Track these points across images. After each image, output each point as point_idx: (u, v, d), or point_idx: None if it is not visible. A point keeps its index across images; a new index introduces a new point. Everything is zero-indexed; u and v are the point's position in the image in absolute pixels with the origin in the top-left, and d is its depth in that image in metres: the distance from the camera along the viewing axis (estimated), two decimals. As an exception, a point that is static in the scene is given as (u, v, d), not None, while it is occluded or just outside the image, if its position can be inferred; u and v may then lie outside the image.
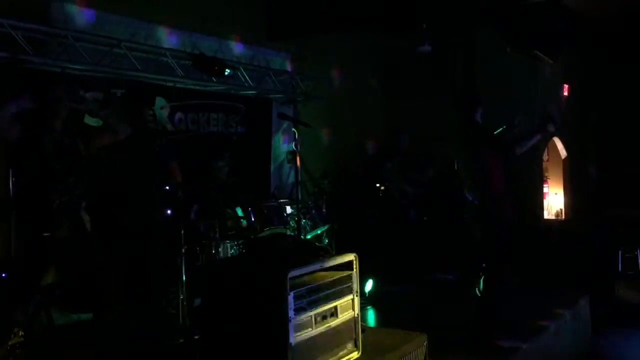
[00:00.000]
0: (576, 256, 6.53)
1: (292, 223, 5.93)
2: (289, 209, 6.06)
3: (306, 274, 2.84)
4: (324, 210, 6.30)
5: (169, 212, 5.59)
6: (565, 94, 9.15)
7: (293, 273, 2.73)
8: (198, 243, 5.40)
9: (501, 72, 7.74)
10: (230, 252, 5.57)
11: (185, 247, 5.27)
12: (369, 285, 5.91)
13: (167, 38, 6.21)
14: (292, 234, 5.87)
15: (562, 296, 5.87)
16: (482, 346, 4.29)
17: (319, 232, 6.21)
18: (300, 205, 5.71)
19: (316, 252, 3.13)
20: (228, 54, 6.71)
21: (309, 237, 6.01)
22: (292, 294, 2.70)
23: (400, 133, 7.74)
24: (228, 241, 5.55)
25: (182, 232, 5.39)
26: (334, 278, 3.04)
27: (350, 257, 3.16)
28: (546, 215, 9.05)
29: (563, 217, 9.28)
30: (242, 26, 6.91)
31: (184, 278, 4.81)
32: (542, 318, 5.17)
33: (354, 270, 3.17)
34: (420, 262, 6.98)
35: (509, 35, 7.19)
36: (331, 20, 6.98)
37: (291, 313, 2.69)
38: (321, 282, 2.94)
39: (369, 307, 5.59)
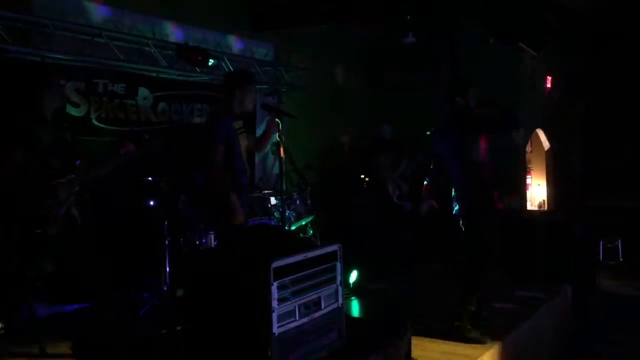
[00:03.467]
0: (558, 247, 6.60)
1: (276, 214, 5.91)
2: (273, 200, 6.04)
3: (290, 264, 2.83)
4: (308, 201, 6.29)
5: (151, 203, 5.58)
6: (549, 85, 9.22)
7: (277, 263, 2.73)
8: (182, 234, 5.39)
9: (485, 64, 7.77)
10: (215, 242, 5.55)
11: (169, 238, 5.27)
12: (354, 276, 5.92)
13: (150, 28, 6.15)
14: (277, 225, 5.87)
15: (545, 286, 5.94)
16: (462, 335, 4.32)
17: (303, 223, 6.21)
18: (284, 197, 5.71)
19: (300, 243, 3.11)
20: (212, 44, 6.66)
21: (293, 228, 6.01)
22: (275, 284, 2.70)
23: (383, 123, 7.67)
24: (212, 232, 5.53)
25: (166, 223, 5.40)
26: (318, 268, 3.04)
27: (334, 247, 3.17)
28: (529, 207, 9.13)
29: (546, 208, 9.37)
30: (226, 17, 6.86)
31: (167, 269, 4.81)
32: (524, 307, 5.23)
33: (338, 260, 3.17)
34: (408, 254, 7.01)
35: (492, 26, 7.21)
36: (315, 12, 6.96)
37: (275, 303, 2.69)
38: (305, 272, 2.93)
39: (353, 298, 5.61)
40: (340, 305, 3.16)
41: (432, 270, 6.84)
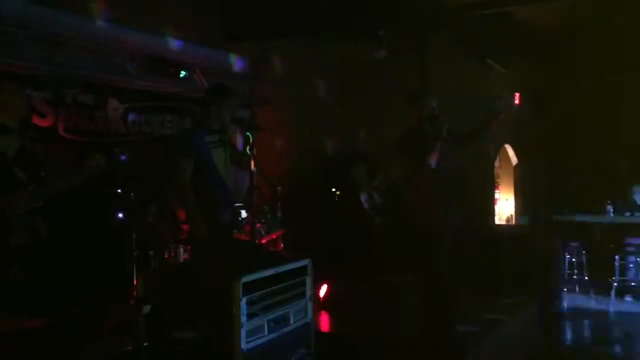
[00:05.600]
0: (525, 260, 6.70)
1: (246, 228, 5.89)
2: (243, 214, 6.02)
3: (259, 279, 2.82)
4: (279, 214, 6.28)
5: (120, 215, 5.51)
6: (517, 102, 9.37)
7: (246, 279, 2.72)
8: (151, 247, 5.33)
9: (454, 80, 7.88)
10: (184, 256, 5.51)
11: (137, 251, 5.20)
12: (324, 290, 5.92)
13: (122, 38, 6.09)
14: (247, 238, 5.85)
15: (512, 300, 6.01)
16: (429, 347, 4.35)
17: (274, 236, 6.19)
18: (255, 210, 5.68)
19: (270, 258, 3.11)
20: (185, 56, 6.63)
21: (263, 241, 5.99)
22: (244, 299, 2.69)
23: (359, 134, 7.66)
24: (182, 245, 5.49)
25: (134, 236, 5.33)
26: (288, 283, 3.03)
27: (305, 262, 3.17)
28: (497, 221, 9.25)
29: (513, 222, 9.50)
30: (199, 28, 6.83)
31: (134, 283, 4.73)
32: (490, 321, 5.28)
33: (308, 275, 3.17)
34: (378, 266, 7.02)
35: (462, 43, 7.35)
36: (288, 25, 6.99)
37: (244, 319, 2.68)
38: (275, 287, 2.93)
39: (322, 312, 5.60)
40: (309, 320, 3.17)
41: (402, 283, 6.86)
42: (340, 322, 5.45)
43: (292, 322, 3.03)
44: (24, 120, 4.21)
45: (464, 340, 4.64)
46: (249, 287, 2.74)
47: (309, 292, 3.17)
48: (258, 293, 2.80)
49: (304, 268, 3.16)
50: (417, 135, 4.75)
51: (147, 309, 2.72)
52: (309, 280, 3.18)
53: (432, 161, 4.62)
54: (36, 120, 5.37)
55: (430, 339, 4.40)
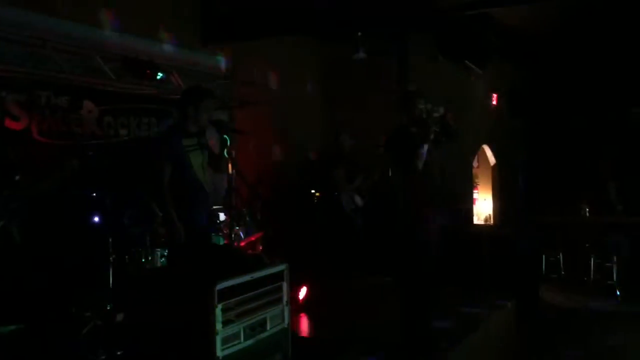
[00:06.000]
0: (503, 260, 6.75)
1: (225, 231, 5.85)
2: (222, 216, 5.98)
3: (235, 285, 2.79)
4: (258, 217, 6.25)
5: (96, 219, 5.43)
6: (494, 102, 9.47)
7: (222, 285, 2.69)
8: (127, 251, 5.26)
9: (433, 80, 7.92)
10: (161, 260, 5.45)
11: (113, 255, 5.13)
12: (303, 292, 5.89)
13: (97, 39, 6.01)
14: (224, 241, 5.82)
15: (489, 299, 6.04)
16: (411, 348, 4.36)
17: (252, 239, 6.16)
18: (233, 212, 5.65)
19: (247, 262, 3.09)
20: (162, 56, 6.56)
21: (242, 244, 5.96)
22: (220, 306, 2.66)
23: (342, 134, 7.61)
24: (159, 249, 5.43)
25: (110, 239, 5.26)
26: (265, 289, 3.02)
27: (282, 267, 3.15)
28: (475, 221, 9.32)
29: (492, 222, 9.58)
30: (177, 28, 6.77)
31: (111, 287, 4.66)
32: (468, 320, 5.30)
33: (285, 280, 3.15)
34: (357, 266, 7.02)
35: (440, 44, 7.38)
36: (267, 26, 6.95)
37: (219, 326, 2.65)
38: (251, 293, 2.90)
39: (301, 314, 5.57)
40: (286, 325, 3.14)
41: (381, 284, 6.87)
42: (319, 324, 5.42)
43: (268, 327, 3.01)
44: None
45: (442, 339, 4.65)
46: (224, 294, 2.72)
47: (285, 297, 3.15)
48: (234, 300, 2.77)
49: (280, 273, 3.14)
50: (405, 137, 4.76)
51: (120, 316, 2.68)
52: (285, 286, 3.16)
53: (420, 163, 4.64)
54: (9, 124, 5.27)
55: (409, 339, 4.41)
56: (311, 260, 6.49)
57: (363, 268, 7.02)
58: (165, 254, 5.35)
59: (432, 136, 4.72)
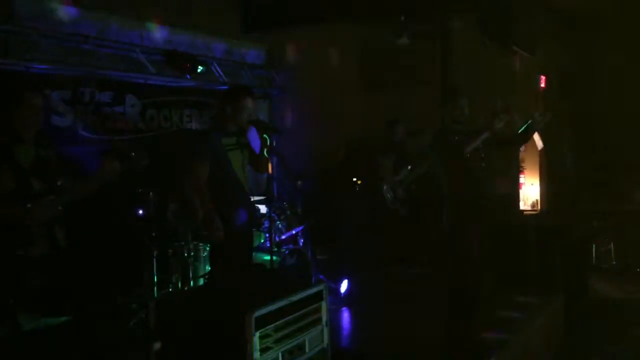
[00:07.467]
0: (551, 250, 6.56)
1: (266, 223, 5.84)
2: (263, 209, 5.97)
3: (273, 311, 2.77)
4: (299, 210, 6.22)
5: (140, 212, 5.51)
6: (543, 85, 9.12)
7: (259, 312, 2.67)
8: (170, 246, 5.33)
9: (478, 64, 7.65)
10: (203, 255, 5.51)
11: (156, 250, 5.21)
12: (344, 285, 5.87)
13: (138, 34, 6.02)
14: (266, 235, 5.82)
15: (536, 292, 5.89)
16: (457, 343, 4.30)
17: (293, 232, 6.14)
18: (275, 206, 5.62)
19: (284, 285, 3.06)
20: (201, 49, 6.54)
21: (283, 237, 5.94)
22: (257, 334, 2.65)
23: (395, 122, 7.20)
24: (201, 244, 5.49)
25: (153, 234, 5.33)
26: (303, 311, 2.98)
27: (320, 287, 3.11)
28: (522, 206, 9.09)
29: (539, 207, 9.33)
30: (216, 20, 6.72)
31: (155, 280, 4.74)
32: (515, 314, 5.18)
33: (324, 300, 3.12)
34: (400, 258, 6.93)
35: (487, 29, 7.11)
36: (307, 13, 6.83)
37: (257, 354, 2.64)
38: (289, 317, 2.88)
39: (344, 309, 5.54)
40: (325, 346, 3.12)
41: (423, 277, 6.78)
42: (360, 324, 5.33)
43: (307, 350, 2.99)
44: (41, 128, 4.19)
45: (488, 346, 4.57)
46: (262, 321, 2.70)
47: (324, 317, 3.11)
48: (272, 326, 2.75)
49: (319, 293, 3.11)
50: (449, 140, 4.64)
51: (157, 346, 2.70)
52: (324, 305, 3.12)
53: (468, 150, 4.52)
54: (55, 121, 5.37)
55: (454, 345, 4.35)
56: (352, 253, 6.45)
57: (404, 260, 6.93)
58: (208, 249, 5.41)
59: (481, 143, 4.56)
